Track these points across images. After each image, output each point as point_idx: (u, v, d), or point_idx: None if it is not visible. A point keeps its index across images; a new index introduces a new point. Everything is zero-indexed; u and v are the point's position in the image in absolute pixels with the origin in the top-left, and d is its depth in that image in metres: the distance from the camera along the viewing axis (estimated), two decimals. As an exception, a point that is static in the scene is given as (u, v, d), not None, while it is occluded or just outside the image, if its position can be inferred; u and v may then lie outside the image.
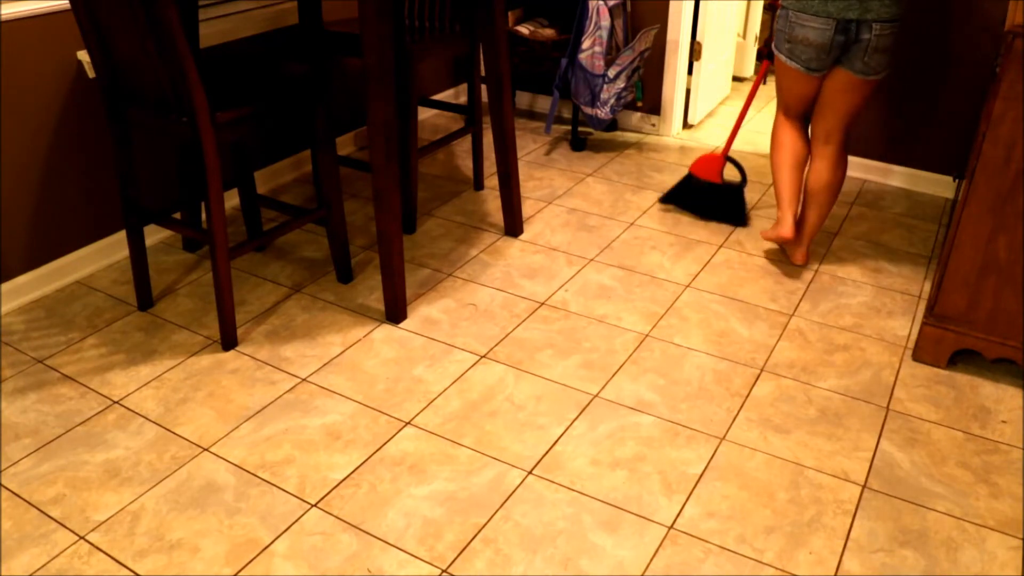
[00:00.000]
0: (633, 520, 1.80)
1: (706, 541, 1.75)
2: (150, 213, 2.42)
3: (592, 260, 2.79)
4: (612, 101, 3.39)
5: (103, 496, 1.85)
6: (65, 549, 1.72)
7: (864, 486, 1.89)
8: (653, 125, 3.83)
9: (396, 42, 2.58)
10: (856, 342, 2.39)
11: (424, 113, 4.04)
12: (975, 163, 2.05)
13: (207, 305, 2.53)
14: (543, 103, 4.09)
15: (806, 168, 2.69)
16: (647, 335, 2.41)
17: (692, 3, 3.58)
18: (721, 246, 2.88)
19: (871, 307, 2.55)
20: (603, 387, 2.20)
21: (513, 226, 2.91)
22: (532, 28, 3.71)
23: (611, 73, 3.32)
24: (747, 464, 1.95)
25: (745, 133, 3.87)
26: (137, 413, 2.09)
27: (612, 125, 3.87)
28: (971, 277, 2.16)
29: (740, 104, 4.24)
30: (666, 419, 2.09)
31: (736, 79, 4.52)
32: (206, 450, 1.98)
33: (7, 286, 2.48)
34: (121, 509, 1.82)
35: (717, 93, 4.12)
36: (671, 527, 1.78)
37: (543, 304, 2.55)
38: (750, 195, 3.25)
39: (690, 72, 3.77)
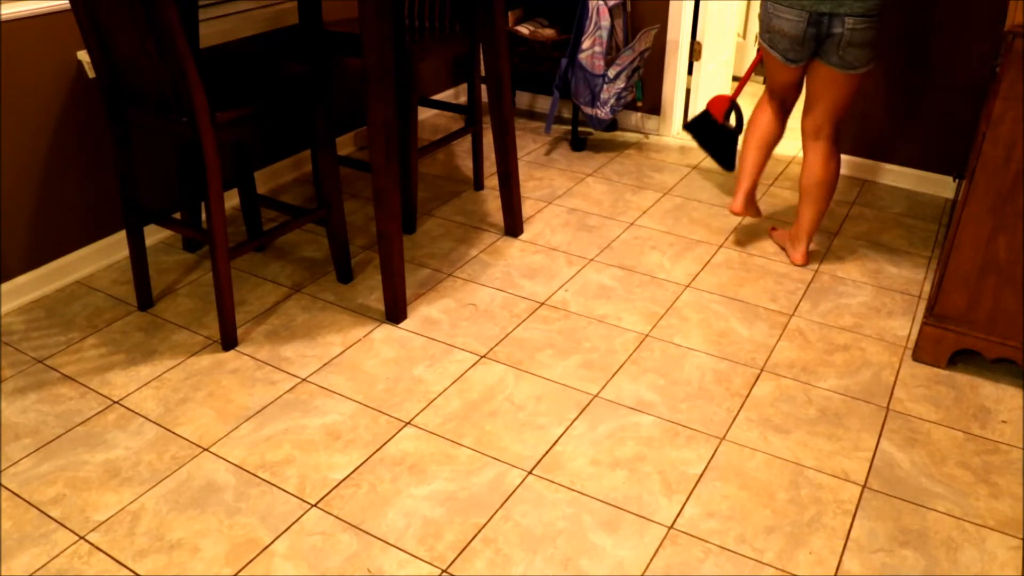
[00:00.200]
0: (633, 520, 1.80)
1: (706, 541, 1.75)
2: (150, 213, 2.42)
3: (592, 260, 2.79)
4: (612, 101, 3.39)
5: (103, 496, 1.85)
6: (65, 549, 1.72)
7: (864, 486, 1.89)
8: (646, 137, 3.84)
9: (396, 42, 2.58)
10: (856, 342, 2.39)
11: (424, 113, 4.04)
12: (975, 163, 2.05)
13: (207, 305, 2.53)
14: (543, 103, 4.09)
15: (771, 150, 2.78)
16: (647, 335, 2.41)
17: (692, 3, 3.58)
18: (721, 246, 2.88)
19: (871, 307, 2.55)
20: (603, 387, 2.20)
21: (513, 226, 2.91)
22: (532, 28, 3.71)
23: (611, 73, 3.32)
24: (747, 464, 1.95)
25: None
26: (137, 413, 2.09)
27: (612, 125, 3.87)
28: (971, 277, 2.16)
29: (740, 103, 4.25)
30: (666, 419, 2.09)
31: (736, 79, 4.52)
32: (206, 450, 1.98)
33: (7, 286, 2.48)
34: (121, 509, 1.82)
35: (717, 93, 4.11)
36: (671, 527, 1.78)
37: (543, 304, 2.55)
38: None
39: (690, 72, 3.77)
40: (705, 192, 3.26)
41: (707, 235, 2.95)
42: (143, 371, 2.24)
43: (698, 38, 3.69)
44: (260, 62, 2.55)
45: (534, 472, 1.92)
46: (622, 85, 3.38)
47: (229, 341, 2.32)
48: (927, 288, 2.65)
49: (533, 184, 3.33)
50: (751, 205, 2.82)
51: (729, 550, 1.73)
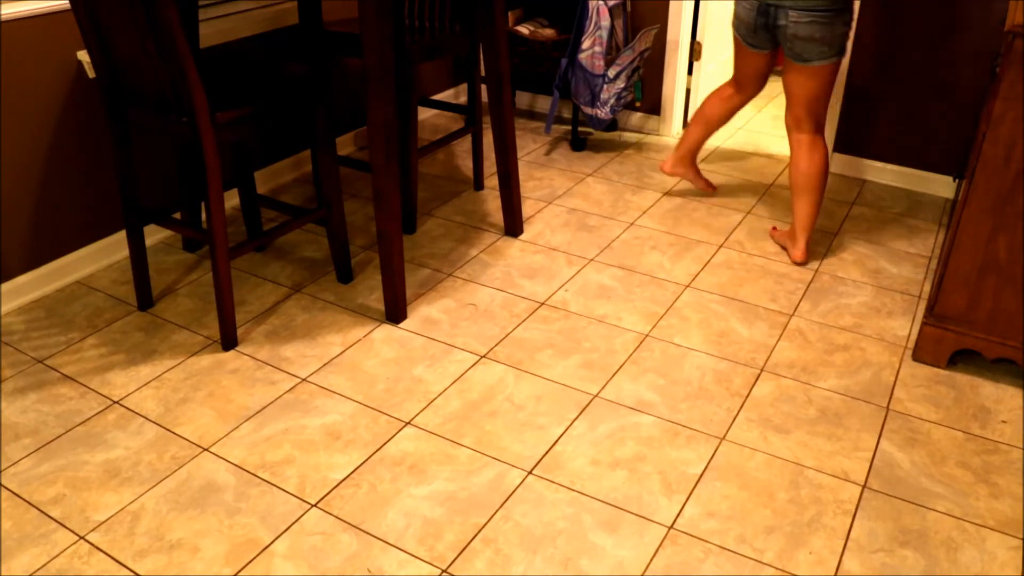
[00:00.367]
0: (633, 520, 1.80)
1: (706, 541, 1.75)
2: (150, 213, 2.42)
3: (592, 260, 2.79)
4: (612, 101, 3.39)
5: (103, 496, 1.85)
6: (65, 549, 1.72)
7: (864, 486, 1.89)
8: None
9: (396, 42, 2.58)
10: (856, 342, 2.39)
11: (424, 113, 4.04)
12: (975, 163, 2.05)
13: (207, 305, 2.53)
14: (543, 103, 4.09)
15: (711, 129, 2.97)
16: (647, 335, 2.41)
17: (692, 3, 3.58)
18: (721, 246, 2.88)
19: (871, 307, 2.55)
20: (603, 387, 2.20)
21: (513, 226, 2.91)
22: (532, 28, 3.71)
23: (611, 73, 3.32)
24: (747, 464, 1.95)
25: (746, 134, 3.87)
26: (137, 413, 2.09)
27: (612, 125, 3.87)
28: (971, 277, 2.16)
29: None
30: (666, 419, 2.09)
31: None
32: (206, 450, 1.98)
33: (7, 286, 2.48)
34: (121, 509, 1.82)
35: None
36: (671, 527, 1.78)
37: (543, 304, 2.55)
38: (754, 194, 3.26)
39: (690, 72, 3.77)
40: (705, 192, 3.26)
41: (707, 235, 2.95)
42: (143, 371, 2.24)
43: (698, 38, 3.69)
44: (260, 62, 2.55)
45: (534, 472, 1.92)
46: (622, 85, 3.38)
47: (229, 341, 2.32)
48: (927, 288, 2.65)
49: (533, 184, 3.33)
50: (680, 167, 3.12)
51: (729, 550, 1.73)
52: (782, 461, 1.96)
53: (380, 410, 2.11)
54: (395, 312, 2.44)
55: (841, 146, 3.42)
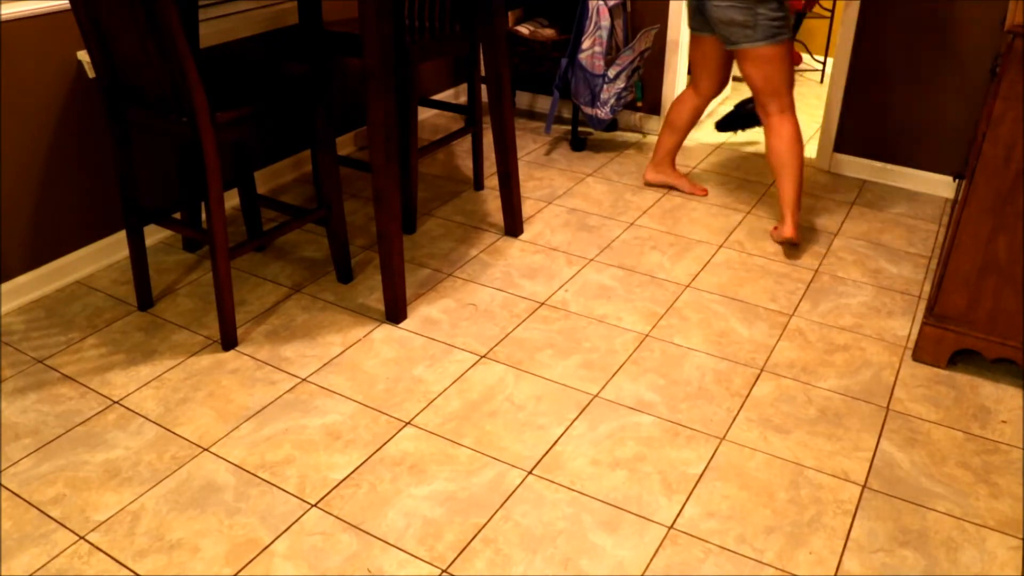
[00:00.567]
0: (633, 520, 1.80)
1: (706, 541, 1.75)
2: (150, 213, 2.42)
3: (592, 260, 2.79)
4: (612, 101, 3.39)
5: (103, 496, 1.85)
6: (65, 549, 1.72)
7: (864, 486, 1.89)
8: (643, 136, 3.83)
9: (396, 42, 2.58)
10: (856, 342, 2.39)
11: (424, 113, 4.04)
12: (975, 163, 2.05)
13: (207, 305, 2.53)
14: (543, 103, 4.09)
15: (681, 133, 3.09)
16: (647, 335, 2.41)
17: (692, 3, 3.58)
18: (721, 246, 2.88)
19: (871, 307, 2.55)
20: (603, 387, 2.20)
21: (513, 226, 2.91)
22: (532, 28, 3.71)
23: (611, 73, 3.32)
24: (747, 464, 1.95)
25: (746, 134, 3.87)
26: (137, 413, 2.09)
27: (612, 125, 3.87)
28: (971, 277, 2.16)
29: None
30: (666, 419, 2.09)
31: (736, 79, 4.52)
32: (206, 450, 1.98)
33: (7, 286, 2.48)
34: (121, 509, 1.82)
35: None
36: (671, 527, 1.78)
37: (543, 304, 2.55)
38: (752, 193, 3.26)
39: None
40: (694, 194, 3.26)
41: (707, 235, 2.95)
42: (143, 371, 2.24)
43: (698, 38, 3.69)
44: (260, 62, 2.55)
45: (534, 472, 1.92)
46: (622, 85, 3.38)
47: (229, 341, 2.32)
48: (927, 288, 2.65)
49: (533, 184, 3.33)
50: (659, 174, 3.21)
51: (729, 550, 1.73)
52: (782, 461, 1.96)
53: (380, 410, 2.11)
54: (395, 312, 2.44)
55: (841, 146, 3.42)
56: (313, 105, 2.36)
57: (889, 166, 3.35)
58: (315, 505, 1.83)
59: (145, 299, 2.50)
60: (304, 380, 2.21)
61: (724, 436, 2.03)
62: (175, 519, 1.79)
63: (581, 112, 3.49)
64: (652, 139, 3.78)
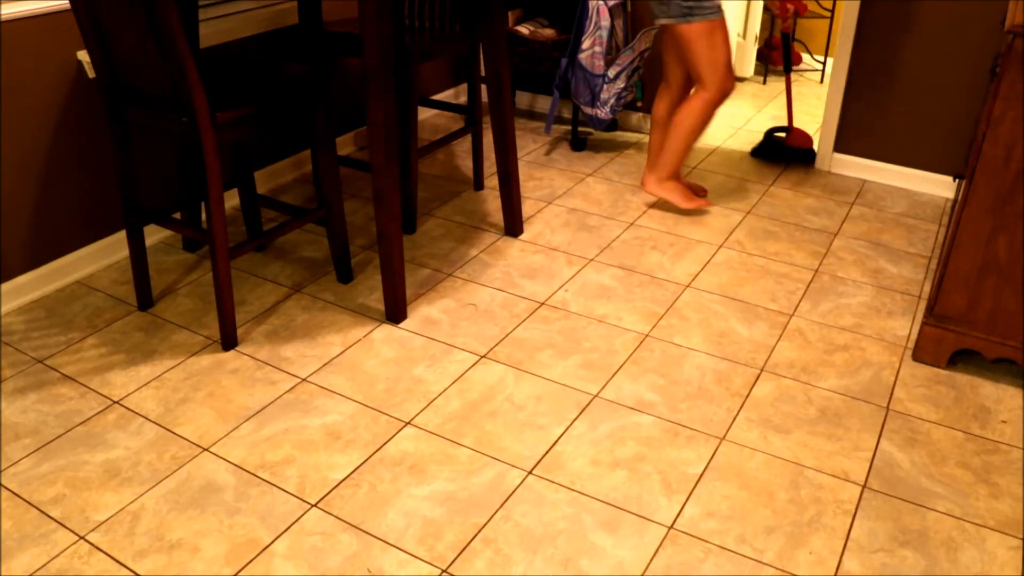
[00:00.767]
0: (633, 520, 1.80)
1: (706, 541, 1.75)
2: (150, 213, 2.42)
3: (592, 260, 2.79)
4: (612, 101, 3.39)
5: (103, 496, 1.85)
6: (65, 549, 1.72)
7: (864, 486, 1.89)
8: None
9: (396, 42, 2.58)
10: (856, 342, 2.39)
11: (424, 113, 4.04)
12: (975, 163, 2.05)
13: (207, 305, 2.53)
14: (543, 103, 4.09)
15: (664, 131, 3.05)
16: (647, 335, 2.41)
17: (692, 3, 3.58)
18: (721, 246, 2.88)
19: (871, 307, 2.55)
20: (603, 387, 2.20)
21: (513, 226, 2.91)
22: (532, 28, 3.71)
23: (611, 73, 3.32)
24: (747, 464, 1.95)
25: (746, 134, 3.88)
26: (137, 413, 2.09)
27: (612, 125, 3.87)
28: (971, 277, 2.16)
29: (740, 103, 4.28)
30: (666, 419, 2.09)
31: (736, 79, 4.52)
32: (206, 450, 1.98)
33: (7, 286, 2.48)
34: (121, 509, 1.82)
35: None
36: (671, 527, 1.78)
37: (543, 304, 2.55)
38: (752, 190, 3.26)
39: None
40: (697, 192, 3.26)
41: (707, 235, 2.95)
42: (143, 371, 2.24)
43: (698, 38, 3.69)
44: (260, 62, 2.55)
45: (534, 472, 1.92)
46: (622, 85, 3.38)
47: (229, 341, 2.32)
48: (927, 288, 2.65)
49: (533, 184, 3.33)
50: (658, 188, 3.10)
51: (729, 550, 1.73)
52: (782, 461, 1.96)
53: (380, 410, 2.11)
54: (395, 312, 2.44)
55: (841, 146, 3.42)
56: (313, 105, 2.36)
57: (889, 166, 3.35)
58: (315, 505, 1.83)
59: (145, 299, 2.50)
60: (304, 380, 2.21)
61: (724, 436, 2.03)
62: (175, 519, 1.79)
63: (581, 112, 3.49)
64: (652, 139, 3.78)
